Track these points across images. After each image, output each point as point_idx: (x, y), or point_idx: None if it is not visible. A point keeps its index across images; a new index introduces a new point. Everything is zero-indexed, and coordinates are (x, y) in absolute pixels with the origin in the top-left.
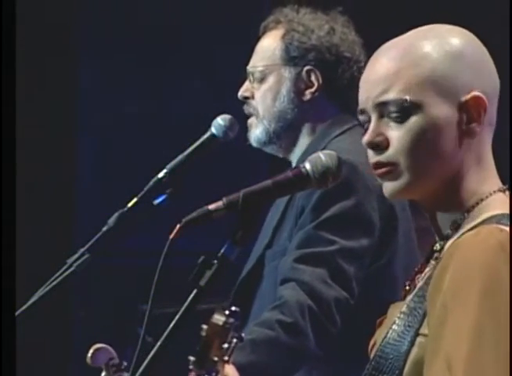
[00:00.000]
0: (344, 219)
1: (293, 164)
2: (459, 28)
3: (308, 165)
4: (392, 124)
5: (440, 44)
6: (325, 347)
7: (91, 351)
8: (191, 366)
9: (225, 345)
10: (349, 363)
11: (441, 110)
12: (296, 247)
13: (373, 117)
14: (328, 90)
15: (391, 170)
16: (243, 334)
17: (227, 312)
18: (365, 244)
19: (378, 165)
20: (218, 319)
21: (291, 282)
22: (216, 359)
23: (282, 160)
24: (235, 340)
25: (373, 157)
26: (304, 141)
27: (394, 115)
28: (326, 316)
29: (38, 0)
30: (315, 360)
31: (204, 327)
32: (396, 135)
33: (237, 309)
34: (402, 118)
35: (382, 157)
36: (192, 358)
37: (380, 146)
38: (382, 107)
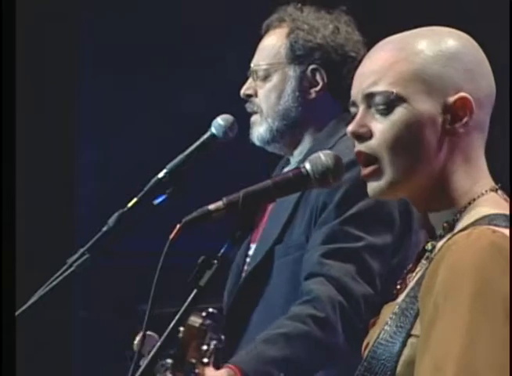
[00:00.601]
0: (369, 216)
1: (292, 161)
2: (458, 32)
3: (308, 165)
4: (377, 116)
5: (436, 43)
6: (352, 342)
7: (138, 337)
8: (168, 369)
9: (204, 347)
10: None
11: (426, 107)
12: (321, 243)
13: (361, 108)
14: (332, 89)
15: (374, 170)
16: (222, 337)
17: (204, 313)
18: (388, 241)
19: (360, 155)
20: (194, 321)
21: (319, 277)
22: (194, 361)
23: (282, 159)
24: (214, 342)
25: (356, 146)
26: (308, 139)
27: (379, 107)
28: (355, 311)
29: (39, 6)
30: (340, 356)
31: (181, 329)
32: (379, 127)
33: (214, 311)
34: (387, 111)
35: (363, 147)
36: (169, 361)
37: (363, 136)
38: (370, 99)
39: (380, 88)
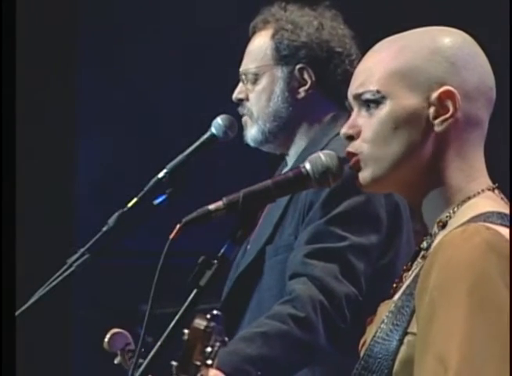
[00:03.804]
0: (354, 215)
1: (289, 161)
2: (455, 30)
3: (308, 165)
4: (365, 114)
5: (422, 40)
6: (334, 343)
7: (108, 335)
8: (174, 372)
9: (208, 349)
10: (349, 360)
11: (410, 102)
12: (306, 242)
13: (354, 109)
14: (322, 87)
15: (357, 160)
16: (226, 338)
17: (208, 316)
18: (374, 241)
19: (349, 156)
20: (199, 323)
21: (302, 277)
22: (199, 363)
23: (282, 160)
24: (218, 344)
25: (347, 147)
26: (301, 138)
27: (366, 106)
28: (337, 311)
29: (39, 7)
30: (322, 356)
31: (186, 331)
32: (366, 125)
33: (219, 313)
34: (372, 109)
35: (350, 147)
36: (174, 363)
37: (353, 137)
38: (358, 99)
39: (365, 87)
